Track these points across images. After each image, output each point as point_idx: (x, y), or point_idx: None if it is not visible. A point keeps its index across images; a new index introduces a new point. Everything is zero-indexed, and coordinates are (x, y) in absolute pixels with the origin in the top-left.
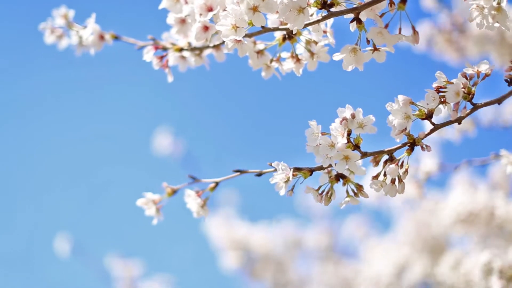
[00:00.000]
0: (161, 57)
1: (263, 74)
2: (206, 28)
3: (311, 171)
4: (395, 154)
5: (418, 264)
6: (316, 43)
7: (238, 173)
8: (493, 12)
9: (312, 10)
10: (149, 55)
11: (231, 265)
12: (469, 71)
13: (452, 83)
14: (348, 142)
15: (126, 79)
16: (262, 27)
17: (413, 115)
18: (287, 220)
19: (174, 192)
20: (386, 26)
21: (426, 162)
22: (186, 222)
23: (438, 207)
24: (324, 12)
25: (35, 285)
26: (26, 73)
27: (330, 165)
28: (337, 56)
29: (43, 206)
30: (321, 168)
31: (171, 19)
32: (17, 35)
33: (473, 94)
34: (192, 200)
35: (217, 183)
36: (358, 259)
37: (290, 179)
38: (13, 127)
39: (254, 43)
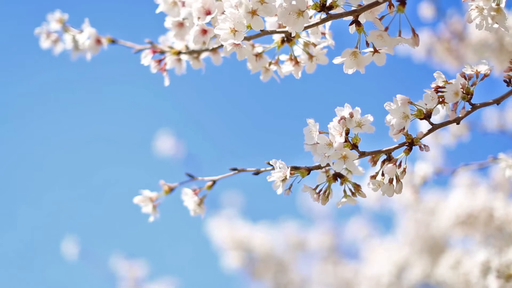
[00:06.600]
0: (159, 61)
1: (261, 77)
2: (204, 32)
3: (309, 170)
4: (393, 154)
5: (418, 264)
6: (314, 45)
7: (236, 171)
8: (492, 13)
9: (311, 12)
10: (147, 58)
11: (233, 265)
12: (468, 71)
13: (451, 83)
14: (346, 141)
15: (128, 80)
16: (261, 30)
17: (412, 115)
18: (289, 221)
19: (171, 190)
20: (386, 29)
21: (421, 166)
22: (188, 223)
23: (438, 208)
24: (323, 15)
25: (39, 286)
26: (27, 73)
27: (328, 164)
28: (337, 60)
29: (47, 208)
30: (319, 167)
31: (168, 22)
32: (16, 35)
33: (472, 95)
34: (189, 198)
35: (214, 181)
36: (360, 260)
37: (288, 177)
38: (20, 127)
39: (253, 46)
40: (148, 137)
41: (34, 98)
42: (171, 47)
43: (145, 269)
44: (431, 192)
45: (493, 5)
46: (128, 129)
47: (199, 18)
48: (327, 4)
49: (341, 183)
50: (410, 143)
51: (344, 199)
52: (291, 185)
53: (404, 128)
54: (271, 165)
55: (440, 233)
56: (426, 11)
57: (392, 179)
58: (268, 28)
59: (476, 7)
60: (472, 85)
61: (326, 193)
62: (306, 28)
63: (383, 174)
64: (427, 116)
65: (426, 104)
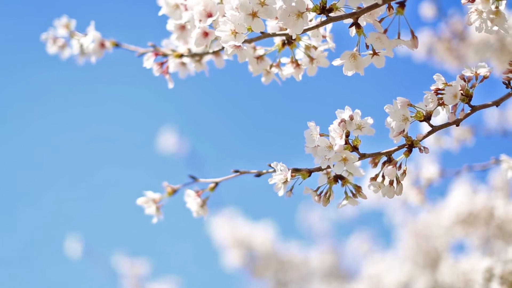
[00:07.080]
0: (161, 64)
1: (263, 79)
2: (206, 34)
3: (310, 172)
4: (393, 155)
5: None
6: (315, 48)
7: (238, 173)
8: (491, 16)
9: (311, 15)
10: (149, 62)
11: (234, 264)
12: (468, 73)
13: (451, 85)
14: (346, 143)
15: (129, 81)
16: (262, 32)
17: (411, 117)
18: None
19: (174, 191)
20: (385, 31)
21: (428, 168)
22: (190, 221)
23: (438, 215)
24: (323, 17)
25: (41, 284)
26: (27, 73)
27: (329, 166)
28: (336, 62)
29: (48, 208)
30: (319, 169)
31: (171, 25)
32: (16, 35)
33: (471, 96)
34: (191, 200)
35: (216, 183)
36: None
37: (289, 180)
38: (20, 127)
39: (254, 48)
40: (149, 137)
41: (34, 98)
42: (173, 50)
43: (147, 267)
44: (431, 201)
45: (492, 8)
46: (129, 129)
47: (200, 21)
48: (327, 6)
49: (342, 185)
50: (410, 145)
51: (345, 201)
52: (292, 187)
53: (404, 130)
54: (272, 168)
55: (441, 241)
56: (427, 11)
57: (393, 181)
58: (269, 31)
59: (476, 9)
60: (471, 87)
61: (327, 195)
62: (306, 30)
63: (383, 176)
64: (426, 118)
65: (426, 106)
